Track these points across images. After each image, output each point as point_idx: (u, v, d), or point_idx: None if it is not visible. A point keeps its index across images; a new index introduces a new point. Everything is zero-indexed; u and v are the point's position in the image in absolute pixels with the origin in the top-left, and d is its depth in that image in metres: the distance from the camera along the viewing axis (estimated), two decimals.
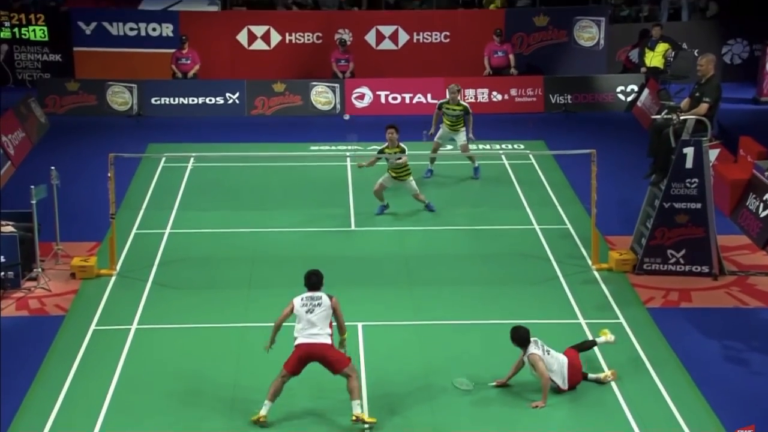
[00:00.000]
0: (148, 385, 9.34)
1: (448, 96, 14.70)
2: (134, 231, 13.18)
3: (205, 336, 10.36)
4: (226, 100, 19.05)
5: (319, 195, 14.61)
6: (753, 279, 11.69)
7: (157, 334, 10.40)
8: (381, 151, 13.29)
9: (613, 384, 9.32)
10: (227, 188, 14.91)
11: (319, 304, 8.51)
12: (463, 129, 14.71)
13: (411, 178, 13.28)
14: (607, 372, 9.39)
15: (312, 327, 8.46)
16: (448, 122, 14.72)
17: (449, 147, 15.29)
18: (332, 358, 8.48)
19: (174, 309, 10.98)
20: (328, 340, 8.48)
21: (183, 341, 10.26)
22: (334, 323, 8.56)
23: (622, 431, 8.71)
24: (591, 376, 9.29)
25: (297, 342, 8.54)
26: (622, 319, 10.71)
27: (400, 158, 13.11)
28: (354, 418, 8.37)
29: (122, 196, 14.06)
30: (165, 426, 8.70)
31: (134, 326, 10.53)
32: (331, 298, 8.56)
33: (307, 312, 8.50)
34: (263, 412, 8.60)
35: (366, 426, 8.49)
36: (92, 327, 10.45)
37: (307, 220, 13.61)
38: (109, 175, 11.82)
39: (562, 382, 9.06)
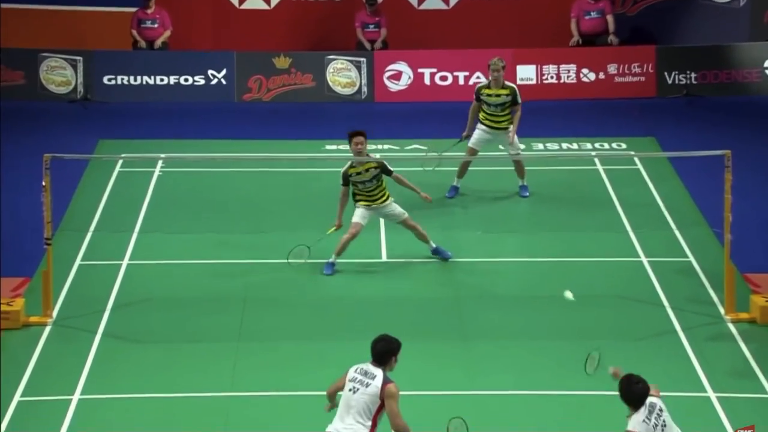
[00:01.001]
0: None
1: (489, 76, 14.46)
2: (78, 262, 13.29)
3: (175, 411, 10.37)
4: (208, 79, 19.22)
5: (334, 212, 14.64)
6: None
7: (109, 409, 10.42)
8: (346, 177, 12.78)
9: None
10: (209, 203, 15.00)
11: (366, 385, 8.49)
12: (511, 125, 14.46)
13: (392, 200, 12.93)
14: None
15: (347, 414, 8.48)
16: (489, 116, 14.43)
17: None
18: None
19: (133, 372, 11.00)
20: None
21: (144, 418, 10.26)
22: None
23: None
24: None
25: (327, 428, 8.57)
26: None
27: (379, 180, 12.66)
28: None
29: (62, 213, 14.19)
30: None
31: (76, 397, 10.57)
32: (386, 384, 8.47)
33: (350, 390, 8.52)
34: None
35: None
36: (16, 398, 10.52)
37: (322, 247, 13.63)
38: (43, 183, 11.94)
39: None
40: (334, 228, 12.79)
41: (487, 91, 14.36)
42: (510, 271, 13.06)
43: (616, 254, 13.39)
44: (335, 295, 12.50)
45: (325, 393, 8.75)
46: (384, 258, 13.37)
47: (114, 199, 15.06)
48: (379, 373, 8.51)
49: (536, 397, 10.49)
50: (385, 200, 12.86)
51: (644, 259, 13.23)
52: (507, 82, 14.50)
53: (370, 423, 8.46)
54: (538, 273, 13.00)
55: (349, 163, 12.82)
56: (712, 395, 10.49)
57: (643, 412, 8.87)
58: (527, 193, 14.80)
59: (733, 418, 10.03)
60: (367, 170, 12.74)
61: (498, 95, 14.33)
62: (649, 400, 8.97)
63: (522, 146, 14.63)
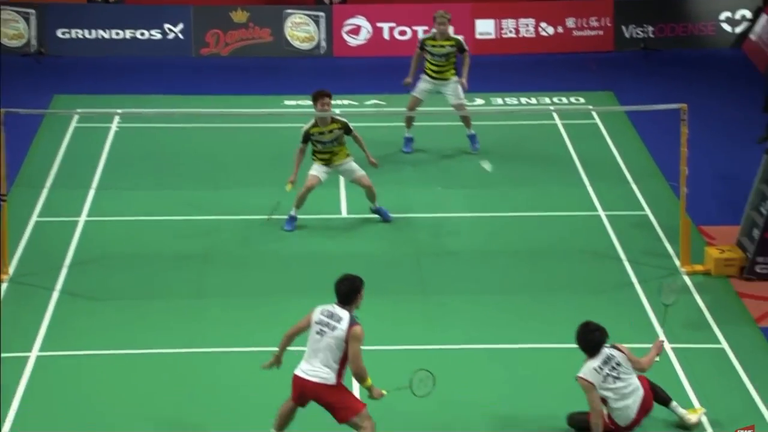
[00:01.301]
0: None
1: (434, 28, 14.43)
2: (34, 219, 13.19)
3: (134, 367, 10.36)
4: (164, 34, 19.03)
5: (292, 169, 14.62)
6: None
7: (67, 366, 10.40)
8: (307, 135, 12.63)
9: (708, 429, 9.33)
10: (167, 159, 14.90)
11: (333, 329, 8.55)
12: (455, 76, 14.47)
13: (351, 158, 12.85)
14: (694, 409, 9.38)
15: (315, 356, 8.55)
16: (433, 67, 14.43)
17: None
18: (333, 404, 8.58)
19: (91, 329, 10.96)
20: (330, 379, 8.54)
21: (103, 375, 10.25)
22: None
23: None
24: (677, 408, 9.24)
25: (295, 370, 8.65)
26: (724, 343, 10.71)
27: (340, 141, 12.57)
28: None
29: (17, 170, 14.05)
30: None
31: (34, 354, 10.53)
32: (351, 326, 8.54)
33: (317, 333, 8.59)
34: None
35: None
36: None
37: (281, 203, 13.60)
38: None
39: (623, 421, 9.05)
40: (289, 185, 12.71)
41: (432, 42, 14.36)
42: (468, 227, 13.11)
43: (574, 208, 13.47)
44: (295, 251, 12.50)
45: (294, 348, 8.73)
46: (344, 214, 13.37)
47: (70, 154, 14.93)
48: (345, 315, 8.57)
49: (495, 351, 10.57)
50: (344, 158, 12.81)
51: (602, 213, 13.33)
52: (452, 34, 14.46)
53: (337, 366, 8.54)
54: (497, 228, 13.06)
55: (312, 121, 12.69)
56: (667, 346, 10.55)
57: (597, 360, 8.98)
58: (477, 144, 14.73)
59: (687, 368, 10.19)
60: (330, 131, 12.66)
61: (443, 46, 14.32)
62: (609, 351, 9.06)
63: (464, 83, 14.44)
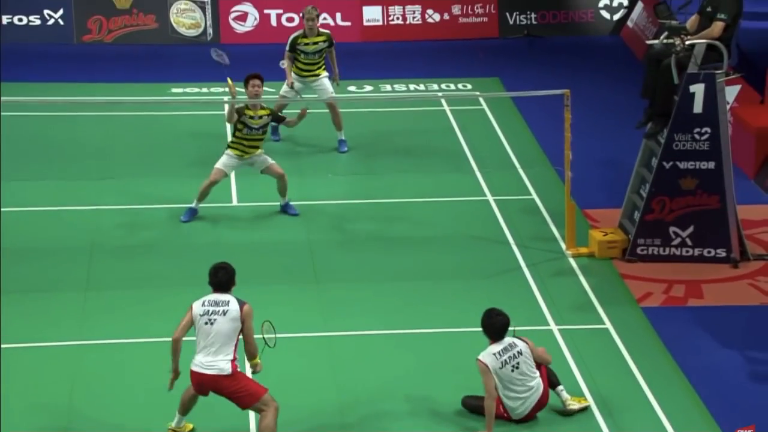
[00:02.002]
0: None
1: (305, 26, 14.17)
2: None
3: (22, 361, 10.16)
4: (44, 19, 18.60)
5: (183, 157, 14.47)
6: None
7: None
8: (239, 113, 12.48)
9: (596, 412, 9.55)
10: (50, 148, 14.63)
11: (223, 313, 8.50)
12: (325, 71, 14.34)
13: (262, 150, 12.76)
14: (579, 399, 9.52)
15: (209, 347, 8.50)
16: (304, 65, 14.23)
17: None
18: (236, 393, 8.55)
19: None
20: (227, 368, 8.51)
21: None
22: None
23: None
24: (562, 392, 9.37)
25: (191, 365, 8.59)
26: (608, 324, 10.96)
27: (264, 131, 12.54)
28: None
29: None
30: None
31: None
32: (242, 305, 8.56)
33: (206, 324, 8.52)
34: (174, 424, 8.82)
35: None
36: None
37: (168, 192, 13.46)
38: None
39: (518, 411, 9.19)
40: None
41: (304, 40, 14.13)
42: (359, 214, 13.15)
43: (463, 194, 13.64)
44: (186, 242, 12.40)
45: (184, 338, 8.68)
46: (234, 202, 13.29)
47: None
48: (230, 297, 8.58)
49: (390, 336, 10.66)
50: (257, 151, 12.72)
51: (490, 198, 13.52)
52: (321, 30, 14.33)
53: (231, 351, 8.51)
54: (388, 214, 13.14)
55: (243, 104, 12.51)
56: (554, 328, 10.84)
57: (498, 346, 9.11)
58: (345, 148, 14.55)
59: (573, 349, 10.41)
60: (260, 117, 12.56)
61: (315, 43, 14.18)
62: (512, 340, 9.18)
63: (336, 79, 14.38)
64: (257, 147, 12.69)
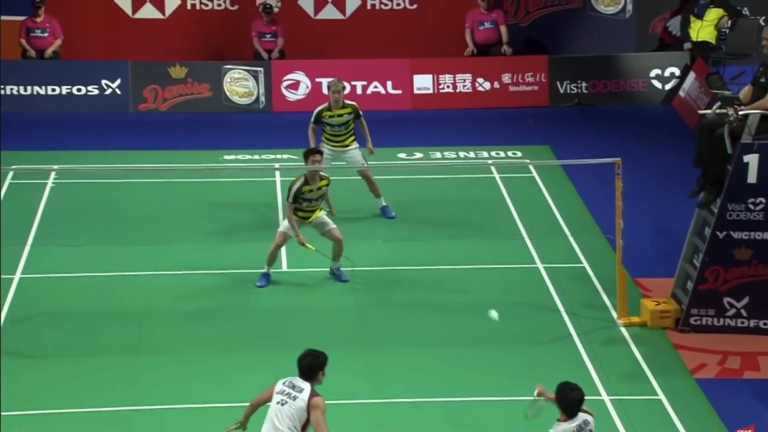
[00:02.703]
0: None
1: (330, 98, 14.17)
2: None
3: (74, 425, 10.21)
4: (101, 89, 18.96)
5: (236, 223, 14.58)
6: None
7: (4, 425, 10.20)
8: (297, 195, 12.61)
9: None
10: (104, 215, 14.81)
11: (294, 399, 8.54)
12: (355, 143, 14.36)
13: (324, 212, 12.95)
14: None
15: (275, 423, 8.49)
16: (332, 137, 14.24)
17: None
18: None
19: (27, 388, 10.81)
20: None
21: None
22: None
23: None
24: None
25: None
26: (660, 395, 10.84)
27: (323, 199, 12.69)
28: None
29: None
30: None
31: None
32: (313, 396, 8.55)
33: (278, 403, 8.57)
34: None
35: None
36: None
37: (221, 258, 13.57)
38: None
39: None
40: (310, 246, 12.66)
41: (328, 113, 14.19)
42: (409, 279, 13.16)
43: (513, 261, 13.60)
44: (235, 306, 12.46)
45: (238, 404, 8.64)
46: (284, 268, 13.36)
47: (5, 211, 14.73)
48: (306, 386, 8.59)
49: (439, 404, 10.58)
50: (319, 213, 12.85)
51: (540, 266, 13.47)
52: (347, 101, 14.35)
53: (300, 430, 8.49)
54: (437, 280, 13.13)
55: (302, 179, 12.61)
56: (606, 398, 10.72)
57: (573, 423, 8.92)
58: (392, 214, 14.55)
59: (626, 420, 10.29)
60: (319, 188, 12.74)
61: (340, 115, 14.24)
62: (585, 417, 9.02)
63: (371, 148, 14.35)
64: (317, 210, 12.83)
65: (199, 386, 10.79)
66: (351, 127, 14.38)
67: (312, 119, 14.36)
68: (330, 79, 14.29)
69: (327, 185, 12.85)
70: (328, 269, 13.02)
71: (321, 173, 12.81)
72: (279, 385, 8.64)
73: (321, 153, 12.96)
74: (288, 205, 12.70)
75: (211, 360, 11.27)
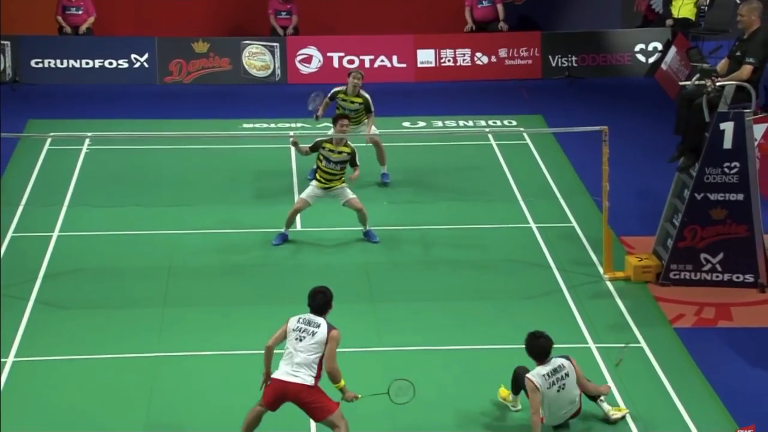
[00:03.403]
0: None
1: (348, 83, 14.11)
2: (10, 234, 12.99)
3: (105, 370, 10.26)
4: (131, 63, 18.87)
5: (254, 187, 14.55)
6: None
7: (43, 369, 10.26)
8: (317, 146, 12.60)
9: (631, 424, 9.42)
10: (134, 178, 14.78)
11: (313, 334, 8.53)
12: (365, 120, 14.19)
13: (345, 185, 12.75)
14: (618, 408, 9.47)
15: (294, 359, 8.49)
16: (324, 173, 13.31)
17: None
18: (311, 404, 8.53)
19: (64, 336, 10.84)
20: (309, 381, 8.52)
21: (77, 377, 10.14)
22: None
23: None
24: (603, 403, 9.31)
25: (273, 375, 8.57)
26: (642, 343, 10.83)
27: (343, 167, 12.47)
28: None
29: None
30: None
31: (11, 359, 10.38)
32: (331, 329, 8.57)
33: (296, 339, 8.54)
34: None
35: None
36: None
37: (239, 219, 13.54)
38: None
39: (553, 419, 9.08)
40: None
41: (343, 95, 14.11)
42: (412, 238, 13.13)
43: (508, 221, 13.56)
44: (253, 263, 12.45)
45: (258, 351, 8.66)
46: (299, 227, 13.33)
47: (44, 175, 14.74)
48: (322, 321, 8.61)
49: (437, 352, 10.61)
50: (340, 184, 12.70)
51: (533, 226, 13.43)
52: (362, 92, 14.17)
53: (316, 368, 8.52)
54: (438, 239, 13.09)
55: (328, 137, 12.58)
56: (593, 345, 10.72)
57: (547, 367, 8.98)
58: (388, 179, 14.43)
59: (610, 366, 10.28)
60: (340, 152, 12.59)
61: (353, 102, 14.13)
62: (560, 361, 9.08)
63: (377, 131, 14.16)
64: (338, 180, 12.67)
65: (220, 336, 10.79)
66: (361, 115, 14.18)
67: (329, 95, 14.25)
68: (353, 68, 14.14)
69: (348, 153, 12.64)
70: (344, 229, 12.90)
71: (347, 141, 12.66)
72: (293, 322, 8.61)
73: (349, 119, 12.80)
74: (307, 148, 12.53)
75: (232, 312, 11.28)
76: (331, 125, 13.06)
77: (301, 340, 8.50)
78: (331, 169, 12.64)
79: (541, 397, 8.91)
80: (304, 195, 12.75)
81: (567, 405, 9.11)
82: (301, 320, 8.61)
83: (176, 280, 12.00)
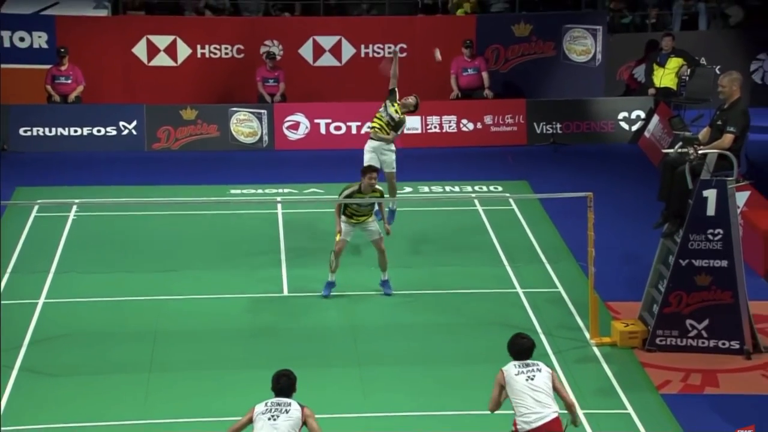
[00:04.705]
0: None
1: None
2: None
3: None
4: (119, 130, 19.00)
5: (241, 252, 14.57)
6: None
7: None
8: (347, 196, 12.55)
9: None
10: (121, 244, 14.80)
11: (286, 411, 8.48)
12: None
13: (374, 218, 12.96)
14: None
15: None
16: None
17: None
18: None
19: (50, 403, 10.76)
20: None
21: None
22: None
23: None
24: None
25: None
26: (629, 409, 10.81)
27: (371, 218, 12.61)
28: None
29: None
30: None
31: None
32: (302, 408, 8.53)
33: (269, 419, 8.45)
34: None
35: None
36: None
37: (226, 283, 13.54)
38: None
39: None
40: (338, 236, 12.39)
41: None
42: (400, 303, 13.12)
43: (495, 286, 13.60)
44: (238, 327, 12.42)
45: (236, 418, 8.62)
46: (285, 292, 13.34)
47: (30, 242, 14.75)
48: (291, 401, 8.54)
49: (425, 418, 10.56)
50: (371, 218, 12.87)
51: (519, 290, 13.47)
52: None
53: None
54: (425, 304, 13.10)
55: (357, 187, 12.70)
56: (580, 411, 10.62)
57: (519, 363, 8.88)
58: (392, 220, 14.24)
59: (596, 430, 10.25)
60: (371, 196, 12.79)
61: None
62: (538, 363, 8.95)
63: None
64: (367, 216, 12.83)
65: (206, 401, 10.73)
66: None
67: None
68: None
69: (380, 196, 12.82)
70: (320, 293, 12.96)
71: (376, 186, 12.83)
72: (260, 407, 8.50)
73: (377, 171, 12.98)
74: (336, 206, 12.75)
75: (218, 377, 11.22)
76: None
77: (275, 419, 8.41)
78: (360, 211, 12.84)
79: (505, 394, 8.77)
80: (343, 235, 12.81)
81: (536, 405, 8.74)
82: (268, 404, 8.54)
83: (161, 346, 11.96)
